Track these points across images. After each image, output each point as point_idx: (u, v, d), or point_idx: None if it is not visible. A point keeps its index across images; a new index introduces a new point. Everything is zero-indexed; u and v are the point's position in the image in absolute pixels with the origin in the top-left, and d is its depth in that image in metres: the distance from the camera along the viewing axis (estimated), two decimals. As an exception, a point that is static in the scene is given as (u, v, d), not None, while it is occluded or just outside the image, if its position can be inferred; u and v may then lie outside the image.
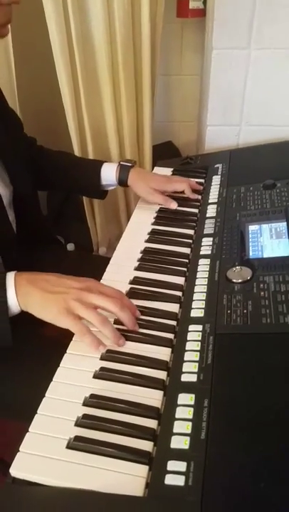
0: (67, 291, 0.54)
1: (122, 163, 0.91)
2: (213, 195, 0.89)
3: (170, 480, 0.40)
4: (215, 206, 0.84)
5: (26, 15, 1.10)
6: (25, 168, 0.84)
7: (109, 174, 0.91)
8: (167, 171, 1.02)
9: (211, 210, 0.83)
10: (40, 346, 0.77)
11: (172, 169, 1.02)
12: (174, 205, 0.86)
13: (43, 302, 0.54)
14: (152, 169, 1.10)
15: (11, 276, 0.56)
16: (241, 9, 0.96)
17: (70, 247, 1.55)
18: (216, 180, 0.94)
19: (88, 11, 1.03)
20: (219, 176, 0.95)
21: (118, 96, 1.17)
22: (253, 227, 0.74)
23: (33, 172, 0.88)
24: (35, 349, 0.75)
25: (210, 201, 0.87)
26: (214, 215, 0.82)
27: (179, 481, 0.40)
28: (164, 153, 1.47)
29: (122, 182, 0.90)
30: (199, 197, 0.90)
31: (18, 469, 0.43)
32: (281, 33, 0.98)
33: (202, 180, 0.96)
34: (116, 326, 0.58)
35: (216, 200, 0.86)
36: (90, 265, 0.91)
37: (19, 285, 0.55)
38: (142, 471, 0.42)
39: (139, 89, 1.19)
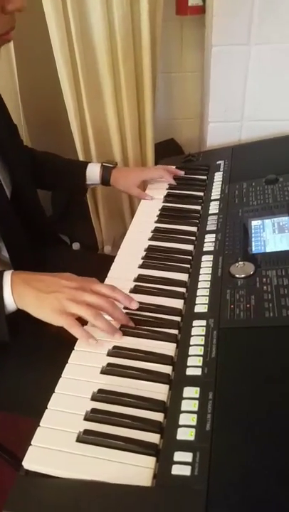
0: (61, 291, 0.56)
1: (104, 164, 0.97)
2: (216, 191, 0.89)
3: (177, 470, 0.41)
4: (217, 203, 0.85)
5: (26, 13, 1.10)
6: (26, 169, 0.87)
7: (93, 174, 0.97)
8: (170, 169, 1.03)
9: (214, 207, 0.84)
10: (48, 343, 0.78)
11: (174, 167, 1.03)
12: (148, 198, 0.93)
13: (38, 302, 0.56)
14: (155, 167, 1.11)
15: (7, 275, 0.58)
16: (240, 5, 0.96)
17: (76, 246, 1.57)
18: (218, 176, 0.95)
19: (87, 9, 1.04)
20: (221, 173, 0.96)
21: (119, 93, 1.18)
22: (255, 223, 0.75)
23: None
24: (42, 346, 0.77)
25: (212, 198, 0.88)
26: (217, 211, 0.82)
27: (185, 471, 0.41)
28: (167, 150, 1.48)
29: (105, 181, 0.97)
30: (174, 182, 0.95)
31: (31, 462, 0.45)
32: (280, 27, 0.98)
33: (204, 177, 0.97)
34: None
35: (218, 197, 0.87)
36: (96, 264, 0.92)
37: (15, 284, 0.57)
38: (149, 462, 0.43)
39: (140, 87, 1.20)
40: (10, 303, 0.57)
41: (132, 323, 0.60)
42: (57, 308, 0.55)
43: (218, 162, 1.00)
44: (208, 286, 0.64)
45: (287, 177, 0.85)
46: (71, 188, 1.08)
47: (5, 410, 0.79)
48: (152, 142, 1.32)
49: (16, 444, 0.90)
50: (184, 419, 0.46)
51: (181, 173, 0.98)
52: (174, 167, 0.99)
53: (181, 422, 0.46)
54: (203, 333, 0.56)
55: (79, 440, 0.46)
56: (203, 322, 0.58)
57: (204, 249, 0.73)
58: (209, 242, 0.74)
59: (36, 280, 0.58)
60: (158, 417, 0.48)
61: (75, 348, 0.58)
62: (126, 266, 0.73)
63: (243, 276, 0.63)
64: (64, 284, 0.57)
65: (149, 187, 0.98)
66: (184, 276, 0.68)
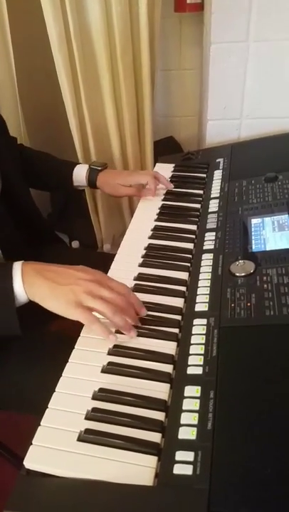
0: (77, 283, 0.54)
1: (92, 166, 0.94)
2: (215, 189, 0.89)
3: (178, 469, 0.41)
4: (217, 201, 0.85)
5: (24, 9, 1.10)
6: (16, 166, 0.86)
7: (80, 175, 0.95)
8: (169, 167, 1.03)
9: (213, 205, 0.84)
10: (49, 341, 0.79)
11: (174, 165, 1.03)
12: (143, 194, 0.91)
13: (52, 294, 0.53)
14: (154, 165, 1.11)
15: (17, 266, 0.56)
16: (239, 2, 0.96)
17: (75, 244, 1.57)
18: (218, 174, 0.95)
19: (86, 5, 1.03)
20: (221, 171, 0.96)
21: (118, 91, 1.18)
22: (255, 221, 0.75)
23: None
24: (44, 343, 0.77)
25: (212, 196, 0.88)
26: (216, 209, 0.82)
27: (187, 470, 0.41)
28: (166, 148, 1.47)
29: (92, 184, 0.94)
30: (163, 187, 0.92)
31: (32, 461, 0.45)
32: (279, 24, 0.98)
33: (204, 175, 0.97)
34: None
35: (218, 195, 0.87)
36: (95, 262, 0.92)
37: (26, 275, 0.55)
38: (151, 461, 0.43)
39: (139, 84, 1.20)
40: (21, 294, 0.54)
41: (140, 324, 0.59)
42: (73, 301, 0.52)
43: (217, 160, 1.00)
44: (209, 284, 0.64)
45: (286, 175, 0.85)
46: (59, 189, 1.05)
47: (6, 408, 0.79)
48: (151, 139, 1.31)
49: (17, 443, 0.90)
50: (185, 418, 0.46)
51: (171, 186, 0.92)
52: (165, 178, 0.94)
53: (182, 421, 0.46)
54: (204, 331, 0.56)
55: (80, 439, 0.46)
56: (204, 321, 0.58)
57: (204, 247, 0.73)
58: (209, 240, 0.74)
59: (49, 271, 0.55)
60: (159, 416, 0.48)
61: (76, 346, 0.58)
62: (126, 264, 0.73)
63: (243, 274, 0.63)
64: (80, 277, 0.54)
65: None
66: (184, 275, 0.68)
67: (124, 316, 0.55)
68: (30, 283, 0.54)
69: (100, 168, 0.94)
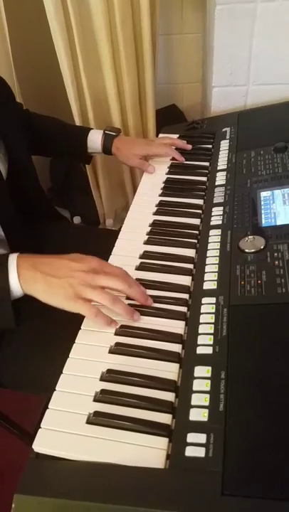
0: (73, 276, 0.53)
1: (106, 131, 0.92)
2: (222, 161, 0.86)
3: (190, 452, 0.41)
4: (224, 173, 0.82)
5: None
6: (21, 139, 0.82)
7: (94, 142, 0.92)
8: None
9: (220, 178, 0.81)
10: (52, 321, 0.78)
11: (178, 135, 0.99)
12: (150, 169, 0.87)
13: (48, 288, 0.53)
14: (157, 135, 1.07)
15: (12, 260, 0.55)
16: None
17: (77, 220, 1.54)
18: (225, 145, 0.91)
19: None
20: (227, 141, 0.92)
21: (117, 58, 1.12)
22: (264, 194, 0.72)
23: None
24: (46, 325, 0.76)
25: (219, 168, 0.84)
26: (224, 182, 0.79)
27: (199, 452, 0.40)
28: (168, 117, 1.42)
29: (107, 150, 0.92)
30: (183, 159, 0.89)
31: (41, 445, 0.44)
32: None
33: (210, 146, 0.93)
34: (128, 301, 0.58)
35: (225, 167, 0.84)
36: (97, 239, 0.90)
37: (22, 269, 0.54)
38: (162, 443, 0.43)
39: (140, 50, 1.14)
40: (16, 289, 0.54)
41: (151, 300, 0.57)
42: (71, 295, 0.52)
43: (223, 129, 0.96)
44: (217, 262, 0.62)
45: (296, 144, 0.81)
46: (73, 155, 1.02)
47: (14, 389, 0.79)
48: (153, 109, 1.26)
49: (24, 417, 0.91)
50: (196, 399, 0.45)
51: (189, 147, 0.92)
52: (181, 140, 0.92)
53: (193, 403, 0.45)
54: (213, 310, 0.54)
55: (89, 422, 0.46)
56: (213, 299, 0.56)
57: (212, 223, 0.70)
58: (217, 215, 0.71)
59: (44, 264, 0.55)
60: (169, 396, 0.47)
61: (82, 327, 0.57)
62: (130, 242, 0.70)
63: (253, 251, 0.61)
64: (75, 268, 0.54)
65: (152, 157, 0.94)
66: (191, 252, 0.66)
67: (123, 304, 0.55)
68: (26, 278, 0.54)
69: (115, 134, 0.91)
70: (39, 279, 0.53)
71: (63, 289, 0.52)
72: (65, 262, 0.55)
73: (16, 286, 0.54)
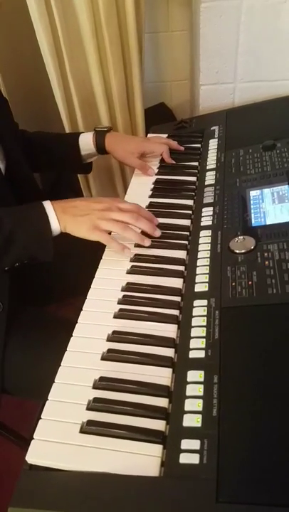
0: (92, 213, 0.65)
1: (97, 129, 0.92)
2: (211, 160, 0.85)
3: (185, 459, 0.40)
4: (214, 173, 0.81)
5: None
6: (17, 140, 0.84)
7: (87, 143, 0.92)
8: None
9: (210, 177, 0.80)
10: (47, 326, 0.78)
11: (167, 135, 0.98)
12: (150, 172, 0.88)
13: (76, 224, 0.66)
14: (146, 135, 1.06)
15: (48, 205, 0.66)
16: None
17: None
18: (213, 144, 0.90)
19: None
20: (216, 139, 0.91)
21: (104, 58, 1.11)
22: (254, 193, 0.72)
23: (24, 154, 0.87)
24: (42, 329, 0.77)
25: (208, 167, 0.84)
26: (213, 182, 0.79)
27: (193, 459, 0.40)
28: (157, 116, 1.41)
29: (101, 148, 0.91)
30: (173, 162, 0.89)
31: (34, 456, 0.44)
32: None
33: (199, 145, 0.92)
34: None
35: (214, 166, 0.83)
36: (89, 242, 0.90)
37: (57, 211, 0.66)
38: (156, 450, 0.42)
39: (126, 49, 1.12)
40: (55, 227, 0.65)
41: (159, 230, 0.68)
42: (91, 227, 0.64)
43: (212, 128, 0.96)
44: (208, 263, 0.61)
45: (285, 142, 0.81)
46: (70, 165, 1.00)
47: (9, 393, 0.78)
48: (142, 108, 1.25)
49: (20, 421, 0.91)
50: (189, 404, 0.45)
51: (182, 148, 0.92)
52: (174, 142, 0.92)
53: (186, 408, 0.44)
54: (205, 313, 0.54)
55: (82, 431, 0.45)
56: (205, 302, 0.56)
57: (202, 223, 0.70)
58: (207, 216, 0.71)
59: (71, 207, 0.67)
60: (162, 402, 0.47)
61: (73, 334, 0.56)
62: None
63: (243, 251, 0.61)
64: (94, 207, 0.66)
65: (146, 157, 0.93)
66: (182, 254, 0.66)
67: (133, 231, 0.66)
68: (60, 219, 0.66)
69: (106, 129, 0.91)
70: (68, 219, 0.66)
71: (85, 224, 0.65)
72: (87, 204, 0.67)
73: (55, 225, 0.66)
